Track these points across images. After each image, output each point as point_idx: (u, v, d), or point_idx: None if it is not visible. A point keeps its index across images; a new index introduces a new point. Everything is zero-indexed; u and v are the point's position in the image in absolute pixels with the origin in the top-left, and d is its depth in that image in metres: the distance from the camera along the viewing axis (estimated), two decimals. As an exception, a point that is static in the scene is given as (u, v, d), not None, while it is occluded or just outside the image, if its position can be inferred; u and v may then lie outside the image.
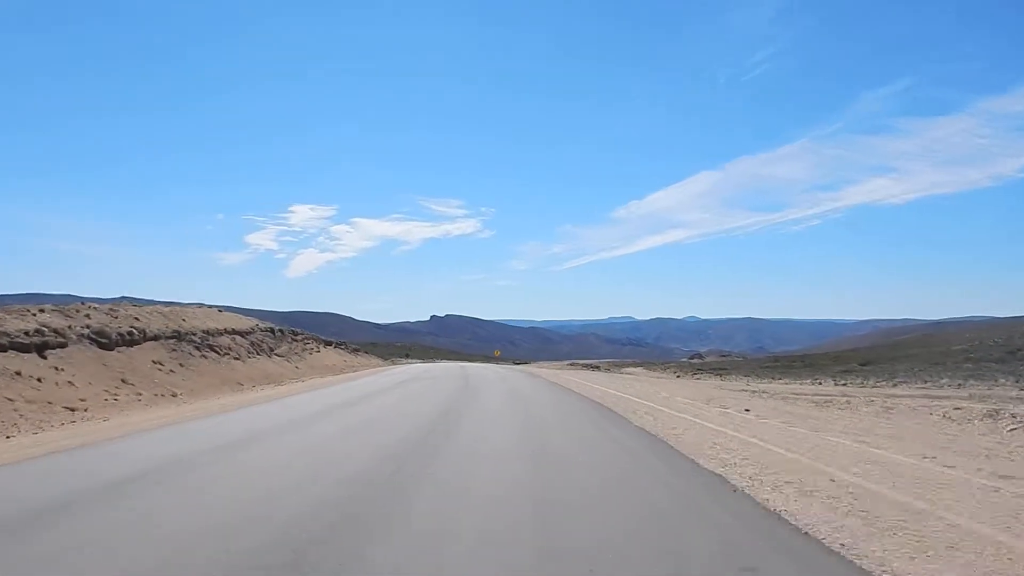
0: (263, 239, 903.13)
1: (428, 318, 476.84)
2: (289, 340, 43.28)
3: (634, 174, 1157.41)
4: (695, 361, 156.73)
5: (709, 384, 38.19)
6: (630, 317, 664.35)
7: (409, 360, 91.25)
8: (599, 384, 29.25)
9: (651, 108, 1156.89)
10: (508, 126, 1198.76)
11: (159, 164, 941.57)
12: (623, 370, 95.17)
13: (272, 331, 40.41)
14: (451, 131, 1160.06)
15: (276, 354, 37.01)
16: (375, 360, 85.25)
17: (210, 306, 38.11)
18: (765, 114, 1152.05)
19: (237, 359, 30.92)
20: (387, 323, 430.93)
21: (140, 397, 19.63)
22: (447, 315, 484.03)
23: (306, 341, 49.01)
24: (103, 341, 22.10)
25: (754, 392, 28.25)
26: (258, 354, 34.45)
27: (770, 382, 49.31)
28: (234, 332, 33.91)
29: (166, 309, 30.57)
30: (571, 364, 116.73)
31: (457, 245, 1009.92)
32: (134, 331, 24.51)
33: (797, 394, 24.28)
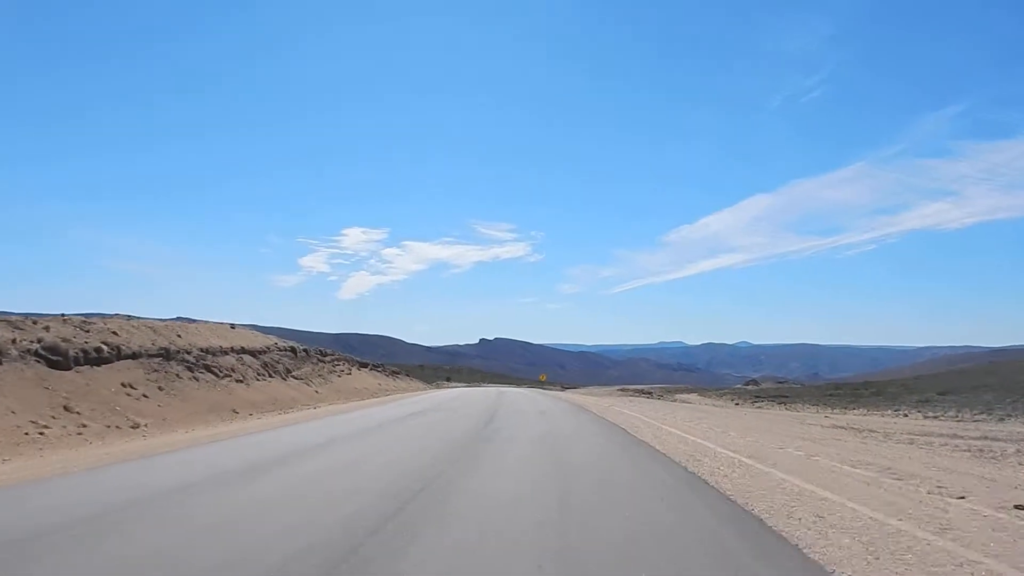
0: (316, 262, 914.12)
1: (477, 341, 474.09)
2: (314, 361, 39.24)
3: (685, 198, 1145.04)
4: (751, 387, 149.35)
5: (782, 417, 32.76)
6: (681, 342, 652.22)
7: (450, 384, 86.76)
8: (661, 419, 23.77)
9: (702, 133, 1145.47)
10: (558, 151, 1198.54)
11: (218, 188, 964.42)
12: (676, 396, 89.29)
13: (293, 351, 36.38)
14: (502, 156, 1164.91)
15: (294, 376, 32.88)
16: (416, 383, 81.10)
17: (227, 324, 34.22)
18: (820, 138, 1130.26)
19: (240, 382, 26.79)
20: (436, 346, 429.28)
21: (83, 429, 15.44)
22: (496, 338, 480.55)
23: (336, 363, 44.97)
24: (55, 359, 18.06)
25: (843, 428, 22.96)
26: (270, 376, 30.33)
27: (844, 412, 43.59)
28: (242, 351, 29.86)
29: (161, 324, 26.66)
30: (621, 390, 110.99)
31: (507, 268, 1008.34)
32: (105, 347, 20.48)
33: (915, 434, 18.99)
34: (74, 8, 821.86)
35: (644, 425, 20.24)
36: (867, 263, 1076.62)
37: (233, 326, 33.96)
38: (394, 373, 66.64)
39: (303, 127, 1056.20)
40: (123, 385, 19.56)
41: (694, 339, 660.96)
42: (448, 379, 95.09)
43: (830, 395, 74.49)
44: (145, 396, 19.82)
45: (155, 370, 21.94)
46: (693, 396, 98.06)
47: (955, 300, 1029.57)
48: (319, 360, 40.73)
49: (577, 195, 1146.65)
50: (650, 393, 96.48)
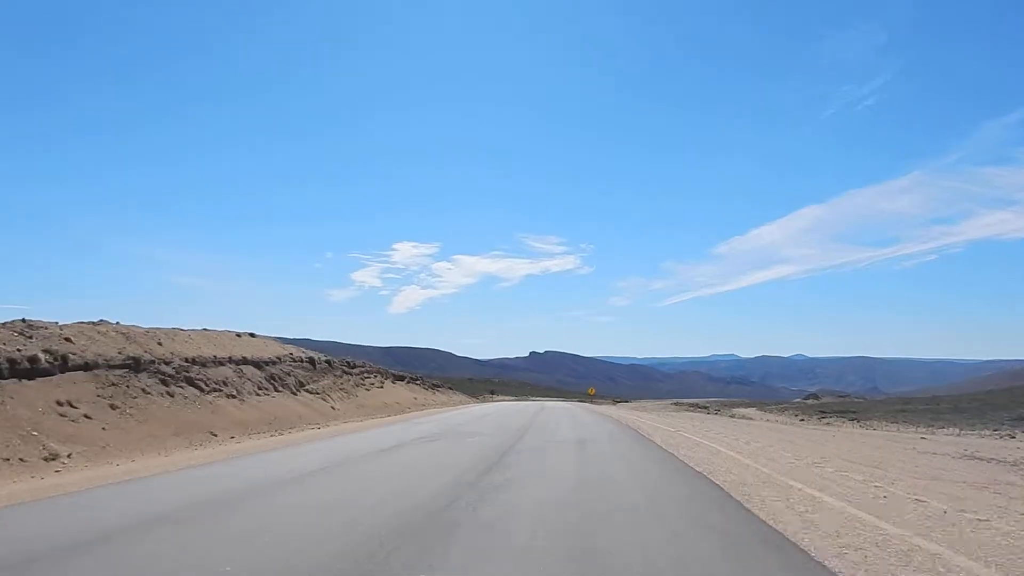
0: (368, 276, 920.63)
1: (527, 354, 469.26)
2: (337, 373, 35.11)
3: (735, 210, 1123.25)
4: (811, 402, 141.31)
5: (868, 437, 27.32)
6: (734, 355, 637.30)
7: (495, 397, 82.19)
8: (732, 447, 18.57)
9: (753, 144, 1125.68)
10: (607, 164, 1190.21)
11: (271, 203, 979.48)
12: (733, 411, 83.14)
13: (312, 362, 32.25)
14: (551, 169, 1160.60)
15: (308, 390, 28.71)
16: (458, 397, 76.71)
17: (233, 332, 30.24)
18: (874, 147, 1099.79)
19: (233, 397, 22.63)
20: (487, 359, 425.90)
21: (-36, 463, 11.27)
22: (546, 351, 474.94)
23: (365, 375, 40.83)
24: (-41, 370, 14.01)
25: (978, 459, 17.66)
26: (276, 390, 26.18)
27: (931, 431, 37.72)
28: (243, 362, 25.77)
29: (141, 331, 22.67)
30: (675, 404, 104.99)
31: (557, 281, 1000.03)
32: (44, 357, 16.44)
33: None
34: (120, 19, 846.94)
35: (718, 458, 15.32)
36: (928, 274, 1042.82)
37: (239, 335, 29.95)
38: (434, 386, 62.31)
39: (354, 142, 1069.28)
40: (59, 404, 15.44)
41: (747, 352, 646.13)
42: (492, 392, 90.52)
43: (901, 410, 67.89)
44: (87, 417, 15.67)
45: (113, 384, 17.84)
46: (752, 411, 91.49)
47: (1019, 311, 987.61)
48: (344, 372, 36.59)
49: (627, 208, 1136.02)
50: (706, 408, 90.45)
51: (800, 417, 64.28)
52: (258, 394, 24.54)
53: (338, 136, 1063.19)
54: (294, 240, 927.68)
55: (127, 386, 18.22)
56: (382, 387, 41.34)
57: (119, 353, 19.38)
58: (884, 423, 49.14)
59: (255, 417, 22.14)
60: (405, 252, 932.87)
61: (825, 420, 57.64)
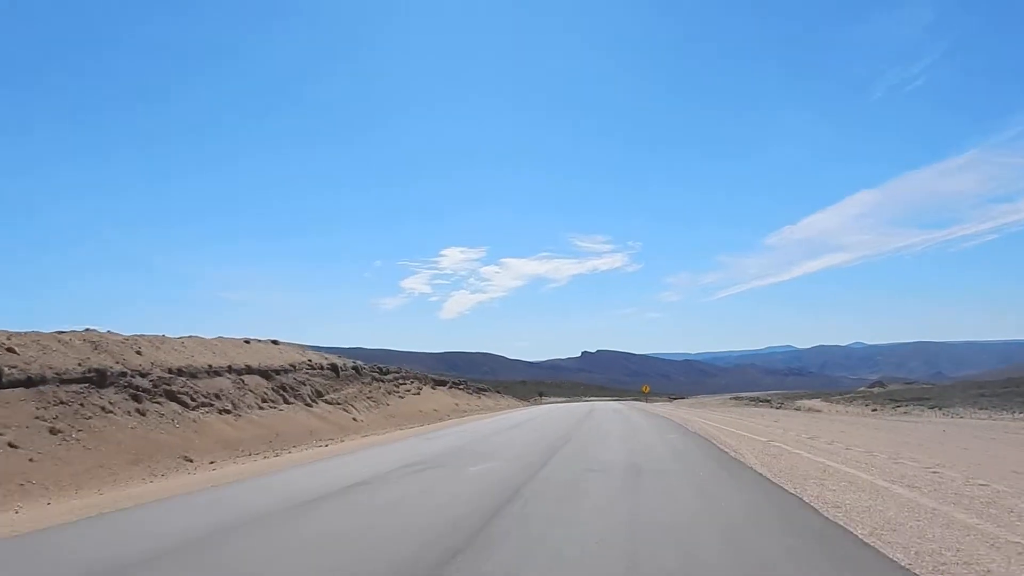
0: (417, 283, 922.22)
1: (579, 354, 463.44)
2: (367, 380, 31.77)
3: (786, 199, 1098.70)
4: (877, 390, 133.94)
5: (975, 429, 22.72)
6: (790, 346, 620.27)
7: (544, 399, 78.34)
8: (847, 459, 13.15)
9: (801, 132, 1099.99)
10: (652, 159, 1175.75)
11: (318, 213, 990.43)
12: (798, 404, 77.80)
13: (335, 369, 28.88)
14: (595, 168, 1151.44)
15: (327, 401, 25.34)
16: (506, 400, 73.05)
17: (241, 339, 27.04)
18: (928, 126, 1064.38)
19: (227, 412, 19.30)
20: (538, 360, 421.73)
21: None
22: (598, 351, 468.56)
23: (400, 381, 37.45)
24: None
25: None
26: (286, 402, 22.83)
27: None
28: (247, 371, 22.49)
29: (118, 339, 19.46)
30: (735, 399, 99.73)
31: (605, 280, 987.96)
32: (-34, 372, 13.22)
33: None
34: (146, 34, 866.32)
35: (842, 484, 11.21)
36: (989, 253, 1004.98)
37: (248, 341, 26.71)
38: (480, 391, 58.75)
39: (398, 149, 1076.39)
40: (-26, 429, 12.19)
41: (804, 342, 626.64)
42: (541, 394, 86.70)
43: (980, 395, 62.04)
44: (11, 446, 12.38)
45: (61, 403, 14.58)
46: (816, 403, 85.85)
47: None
48: (375, 379, 33.21)
49: (673, 203, 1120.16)
50: (768, 401, 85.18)
51: (872, 407, 59.06)
52: (261, 407, 21.18)
53: (382, 144, 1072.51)
54: (342, 250, 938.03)
55: (81, 404, 14.95)
56: (418, 393, 37.89)
57: (79, 365, 16.15)
58: (969, 410, 44.01)
59: (252, 435, 18.76)
60: (453, 258, 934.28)
61: (902, 409, 52.54)
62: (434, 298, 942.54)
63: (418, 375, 42.42)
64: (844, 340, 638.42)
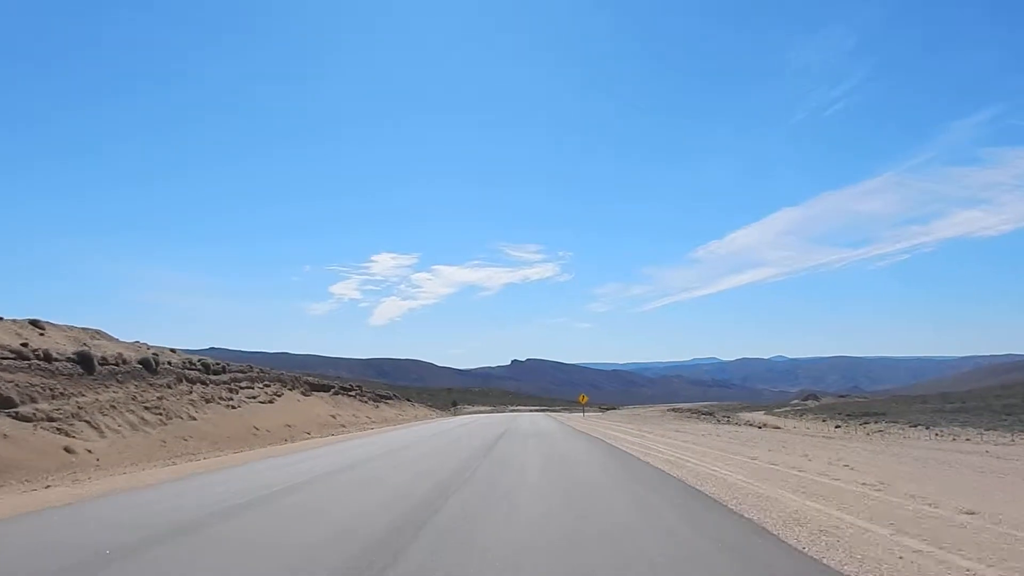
0: (347, 289, 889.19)
1: (509, 363, 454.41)
2: (169, 380, 21.03)
3: (712, 215, 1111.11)
4: (812, 403, 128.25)
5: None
6: (715, 358, 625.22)
7: (466, 409, 67.80)
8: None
9: (727, 149, 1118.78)
10: (583, 172, 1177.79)
11: (247, 218, 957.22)
12: (741, 417, 69.56)
13: (86, 362, 17.83)
14: (527, 178, 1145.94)
15: (30, 413, 14.47)
16: (417, 411, 62.41)
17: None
18: (846, 149, 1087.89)
19: None
20: (469, 368, 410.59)
21: None
22: (528, 359, 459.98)
23: (244, 384, 26.74)
24: None
25: None
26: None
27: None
28: None
29: None
30: (673, 410, 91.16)
31: (536, 289, 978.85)
32: None
33: None
34: (96, 40, 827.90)
35: None
36: (902, 273, 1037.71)
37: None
38: (380, 398, 48.04)
39: (329, 156, 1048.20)
40: None
41: (728, 355, 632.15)
42: (455, 403, 75.92)
43: (939, 410, 54.48)
44: None
45: None
46: (760, 415, 77.98)
47: (995, 307, 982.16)
48: (190, 379, 22.41)
49: (604, 215, 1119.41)
50: (710, 414, 76.78)
51: (835, 424, 50.82)
52: None
53: (314, 150, 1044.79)
54: (270, 255, 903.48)
55: None
56: (271, 402, 27.22)
57: None
58: (951, 428, 35.74)
59: None
60: (384, 263, 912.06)
61: (872, 426, 44.21)
62: (364, 304, 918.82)
63: (282, 377, 31.58)
64: (767, 354, 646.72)
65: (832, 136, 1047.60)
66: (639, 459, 14.43)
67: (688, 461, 13.60)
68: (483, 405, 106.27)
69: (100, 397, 16.38)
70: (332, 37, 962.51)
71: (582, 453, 16.40)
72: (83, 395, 15.93)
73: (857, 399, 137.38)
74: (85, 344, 19.09)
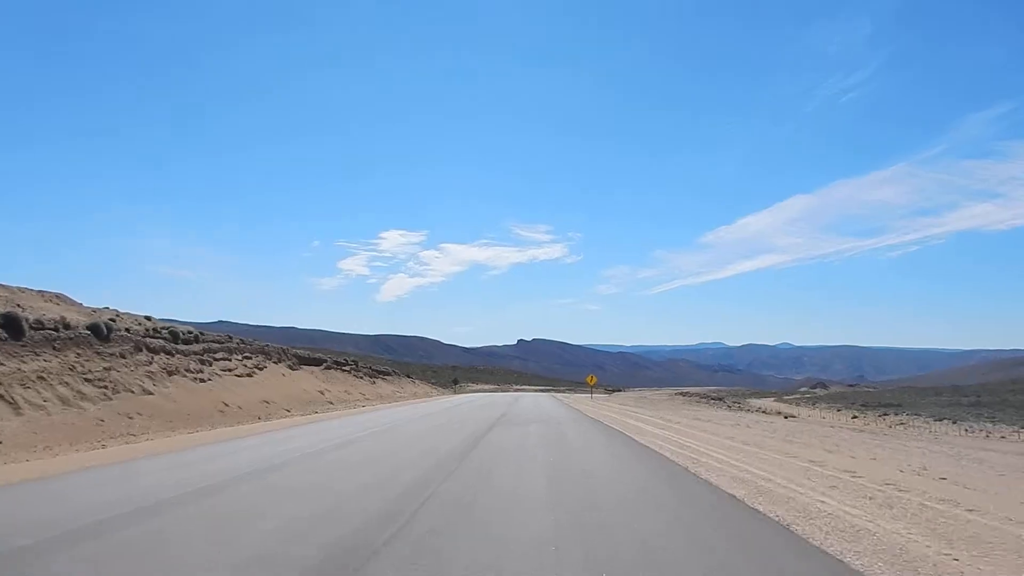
0: (355, 265, 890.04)
1: (515, 342, 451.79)
2: (128, 350, 18.54)
3: (723, 200, 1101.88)
4: (820, 392, 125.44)
5: None
6: (721, 343, 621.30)
7: (463, 388, 65.20)
8: None
9: (741, 137, 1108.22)
10: (596, 154, 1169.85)
11: (259, 195, 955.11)
12: (752, 404, 66.95)
13: (13, 325, 15.34)
14: (539, 159, 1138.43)
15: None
16: (416, 387, 59.92)
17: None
18: (860, 139, 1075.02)
19: None
20: (475, 347, 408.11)
21: None
22: (534, 339, 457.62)
23: (220, 356, 24.24)
24: None
25: None
26: None
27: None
28: None
29: None
30: (681, 394, 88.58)
31: (544, 270, 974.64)
32: None
33: None
34: (116, 24, 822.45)
35: None
36: (912, 264, 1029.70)
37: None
38: (378, 374, 45.47)
39: (343, 133, 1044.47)
40: None
41: (734, 340, 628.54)
42: (456, 382, 73.28)
43: (956, 403, 51.71)
44: None
45: None
46: (770, 402, 75.25)
47: (1003, 301, 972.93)
48: (153, 348, 19.94)
49: (615, 199, 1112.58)
50: (721, 399, 74.15)
51: (852, 414, 48.08)
52: None
53: (326, 128, 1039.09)
54: (281, 230, 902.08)
55: None
56: (250, 375, 24.76)
57: None
58: (980, 424, 33.04)
59: None
60: (393, 240, 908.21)
61: (893, 418, 41.49)
62: (372, 280, 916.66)
63: (267, 348, 29.04)
64: (773, 340, 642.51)
65: (845, 125, 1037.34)
66: (688, 470, 9.87)
67: (769, 479, 8.94)
68: (487, 384, 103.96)
69: (24, 366, 13.81)
70: (345, 23, 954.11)
71: (603, 456, 12.08)
72: (1, 364, 13.35)
73: (866, 388, 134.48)
74: (18, 305, 16.52)
